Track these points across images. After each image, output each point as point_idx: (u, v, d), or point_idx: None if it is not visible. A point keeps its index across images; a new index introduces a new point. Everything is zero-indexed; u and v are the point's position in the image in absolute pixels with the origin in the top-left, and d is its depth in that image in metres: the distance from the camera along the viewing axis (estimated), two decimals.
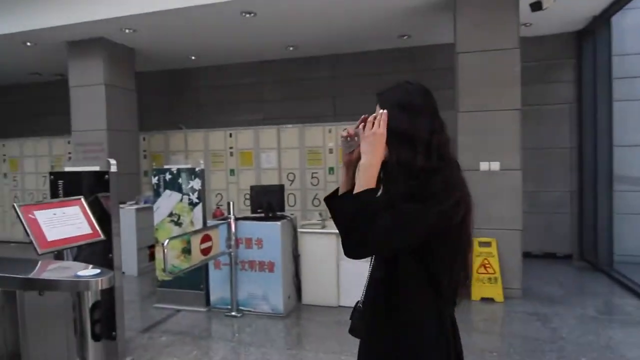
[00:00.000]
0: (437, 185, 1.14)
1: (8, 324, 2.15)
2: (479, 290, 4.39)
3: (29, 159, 8.06)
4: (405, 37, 6.14)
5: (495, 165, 4.44)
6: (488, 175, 4.44)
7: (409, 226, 1.12)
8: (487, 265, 4.38)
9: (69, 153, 7.49)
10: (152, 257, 5.80)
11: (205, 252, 3.88)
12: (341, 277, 4.21)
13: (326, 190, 6.33)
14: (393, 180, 1.19)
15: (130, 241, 5.61)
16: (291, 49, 6.60)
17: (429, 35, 6.00)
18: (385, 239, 1.11)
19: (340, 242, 1.24)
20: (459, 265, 1.21)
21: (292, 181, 6.44)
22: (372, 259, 1.32)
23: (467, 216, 1.19)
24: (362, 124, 1.23)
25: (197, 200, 4.25)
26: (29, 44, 6.06)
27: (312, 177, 6.36)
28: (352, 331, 1.34)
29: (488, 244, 4.40)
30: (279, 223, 4.11)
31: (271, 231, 4.08)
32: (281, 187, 4.58)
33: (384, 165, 1.22)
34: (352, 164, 1.29)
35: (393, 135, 1.20)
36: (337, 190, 1.32)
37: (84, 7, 5.30)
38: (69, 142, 7.40)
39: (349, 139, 1.29)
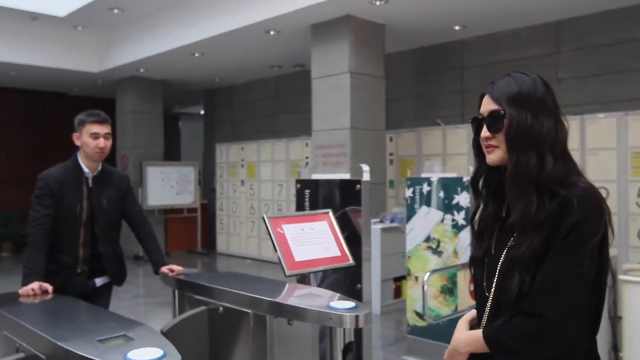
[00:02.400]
0: (583, 206, 1.32)
1: (257, 352, 2.61)
2: None
3: (266, 165, 9.76)
4: None
5: None
6: None
7: (572, 294, 1.31)
8: None
9: (307, 158, 8.72)
10: (398, 292, 6.17)
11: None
12: None
13: None
14: (515, 199, 1.39)
15: (374, 270, 6.09)
16: None
17: None
18: (561, 331, 1.30)
19: None
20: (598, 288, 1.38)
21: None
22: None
23: (607, 232, 1.37)
24: None
25: (464, 223, 4.29)
26: (272, 32, 7.36)
27: (639, 195, 5.61)
28: None
29: None
30: None
31: None
32: None
33: (494, 172, 1.51)
34: None
35: (514, 139, 1.39)
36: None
37: None
38: (307, 145, 8.64)
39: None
